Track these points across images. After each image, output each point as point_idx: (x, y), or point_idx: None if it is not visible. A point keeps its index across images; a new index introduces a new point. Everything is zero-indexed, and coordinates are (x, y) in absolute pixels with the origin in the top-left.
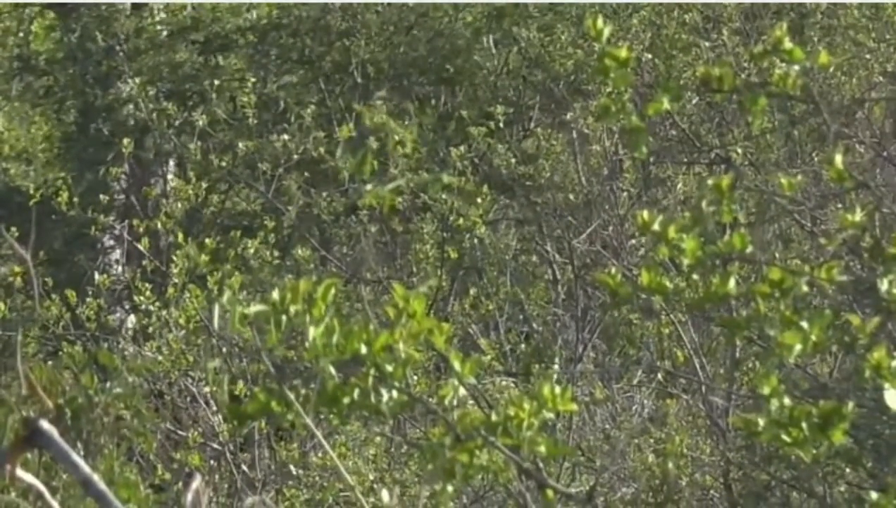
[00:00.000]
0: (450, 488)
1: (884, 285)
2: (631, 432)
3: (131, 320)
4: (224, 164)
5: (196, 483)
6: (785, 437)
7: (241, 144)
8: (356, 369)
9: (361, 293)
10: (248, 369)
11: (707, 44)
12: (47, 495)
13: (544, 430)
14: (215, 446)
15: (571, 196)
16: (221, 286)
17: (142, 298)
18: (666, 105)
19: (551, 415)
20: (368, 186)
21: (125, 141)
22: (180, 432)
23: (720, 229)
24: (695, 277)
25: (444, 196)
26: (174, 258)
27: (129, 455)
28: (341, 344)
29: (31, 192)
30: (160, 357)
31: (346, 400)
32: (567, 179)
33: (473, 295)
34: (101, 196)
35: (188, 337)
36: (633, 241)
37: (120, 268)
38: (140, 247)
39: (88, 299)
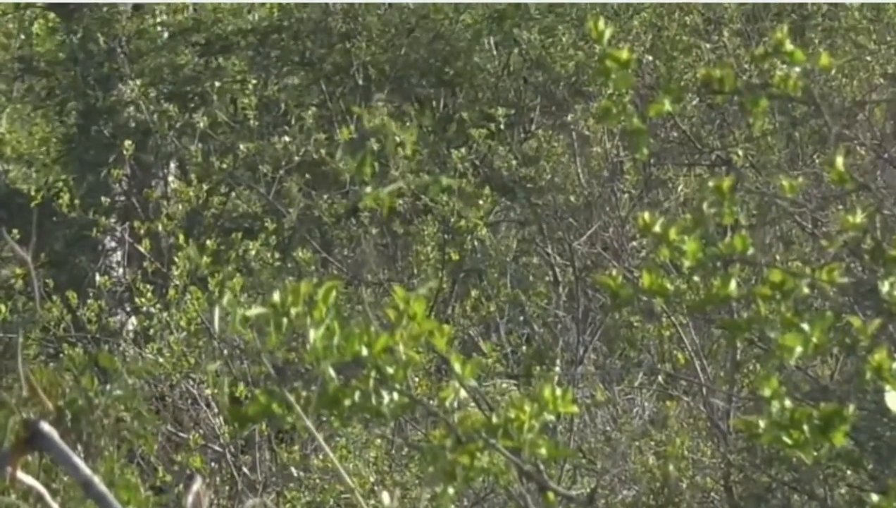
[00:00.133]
0: (450, 490)
1: (885, 288)
2: (632, 434)
3: (132, 322)
4: (225, 166)
5: (197, 485)
6: (786, 439)
7: (241, 146)
8: (357, 371)
9: (362, 295)
10: (249, 371)
11: (708, 45)
12: (48, 497)
13: (545, 432)
14: (216, 448)
15: (572, 198)
16: (222, 288)
17: (143, 300)
18: (667, 107)
19: (552, 417)
20: (368, 189)
21: (126, 143)
22: (181, 434)
23: (721, 230)
24: (696, 279)
25: (444, 198)
26: (175, 260)
27: (130, 457)
28: (342, 346)
29: (33, 193)
30: (161, 359)
31: (346, 402)
32: (568, 180)
33: (474, 297)
34: (103, 198)
35: (189, 339)
36: (634, 243)
37: (121, 270)
38: (141, 249)
39: (89, 301)
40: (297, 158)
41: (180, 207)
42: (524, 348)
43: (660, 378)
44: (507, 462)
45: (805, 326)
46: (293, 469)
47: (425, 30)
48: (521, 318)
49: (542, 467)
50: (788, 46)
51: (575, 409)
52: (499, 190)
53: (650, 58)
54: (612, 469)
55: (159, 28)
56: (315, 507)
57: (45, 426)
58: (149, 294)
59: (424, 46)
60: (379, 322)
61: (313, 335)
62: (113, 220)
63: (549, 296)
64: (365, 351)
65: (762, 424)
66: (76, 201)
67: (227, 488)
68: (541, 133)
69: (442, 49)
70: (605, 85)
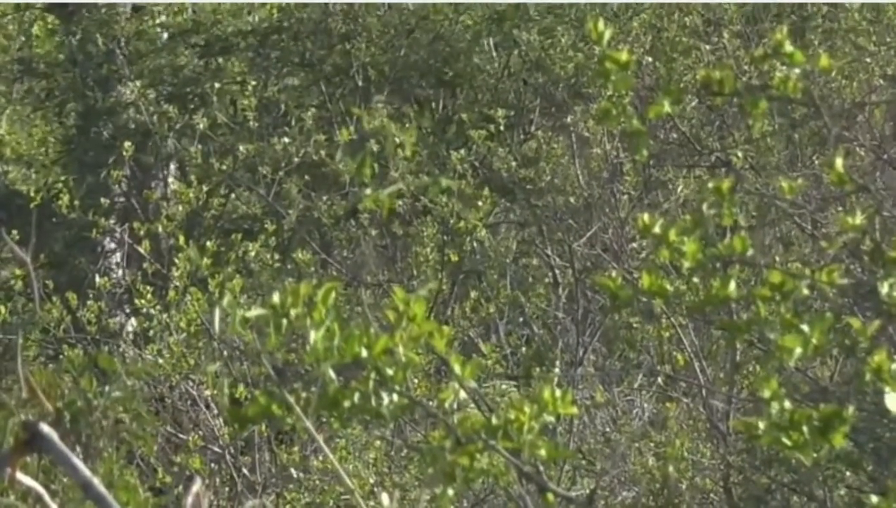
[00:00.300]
0: (450, 491)
1: (884, 289)
2: (631, 435)
3: (132, 323)
4: (225, 167)
5: (196, 486)
6: (785, 440)
7: (241, 148)
8: (356, 372)
9: (362, 297)
10: (249, 372)
11: (708, 47)
12: (47, 498)
13: (545, 433)
14: (216, 449)
15: (572, 199)
16: (222, 290)
17: (142, 301)
18: (666, 108)
19: (552, 419)
20: (369, 191)
21: (126, 144)
22: (181, 435)
23: (721, 232)
24: (695, 280)
25: (444, 199)
26: (175, 261)
27: (130, 458)
28: (342, 348)
29: (32, 194)
30: (161, 361)
31: (346, 404)
32: (567, 182)
33: (474, 298)
34: (102, 199)
35: (189, 341)
36: (634, 244)
37: (120, 271)
38: (141, 250)
39: (89, 303)
40: (296, 160)
41: (180, 208)
42: (524, 349)
43: (659, 380)
44: (507, 464)
45: (805, 327)
46: (293, 471)
47: (425, 31)
48: (521, 319)
49: (541, 468)
50: (788, 48)
51: (574, 410)
52: (498, 191)
53: (650, 59)
54: (611, 470)
55: (158, 29)
56: None
57: (45, 428)
58: (148, 296)
59: (424, 48)
60: (378, 324)
61: (314, 336)
62: (112, 221)
63: (549, 297)
64: (365, 353)
65: (762, 425)
66: (76, 203)
67: (226, 489)
68: (540, 134)
69: (442, 50)
70: (605, 86)
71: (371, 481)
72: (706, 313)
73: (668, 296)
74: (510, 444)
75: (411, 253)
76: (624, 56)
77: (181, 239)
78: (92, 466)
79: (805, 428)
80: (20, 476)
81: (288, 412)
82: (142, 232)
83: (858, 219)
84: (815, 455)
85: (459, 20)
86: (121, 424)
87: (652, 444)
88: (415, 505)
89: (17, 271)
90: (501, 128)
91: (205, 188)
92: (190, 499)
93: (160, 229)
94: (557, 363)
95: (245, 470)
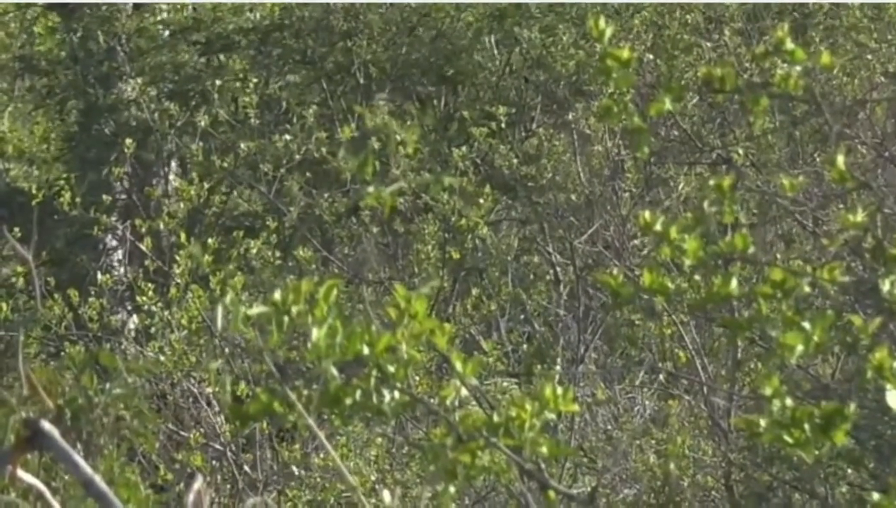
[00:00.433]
0: (451, 489)
1: (885, 286)
2: (633, 433)
3: (134, 320)
4: (226, 164)
5: (198, 483)
6: (787, 438)
7: (242, 145)
8: (357, 369)
9: (363, 294)
10: (250, 369)
11: (709, 44)
12: (48, 495)
13: (546, 431)
14: (217, 446)
15: (573, 197)
16: (224, 287)
17: (144, 298)
18: (668, 105)
19: (553, 416)
20: (370, 188)
21: (128, 141)
22: (182, 432)
23: (722, 229)
24: (696, 277)
25: (445, 197)
26: (177, 259)
27: (132, 455)
28: (344, 345)
29: (34, 192)
30: (162, 358)
31: (348, 401)
32: (569, 179)
33: (475, 296)
34: (104, 196)
35: (190, 338)
36: (635, 241)
37: (122, 268)
38: (142, 247)
39: (91, 300)
40: (297, 157)
41: (181, 205)
42: (525, 346)
43: (661, 377)
44: (508, 461)
45: (806, 324)
46: (294, 468)
47: (426, 28)
48: (522, 316)
49: (542, 465)
50: (789, 45)
51: (576, 408)
52: (500, 189)
53: (651, 57)
54: (613, 467)
55: (160, 27)
56: (316, 506)
57: (46, 425)
58: (150, 293)
59: (426, 45)
60: (380, 321)
61: (316, 333)
62: (114, 218)
63: (550, 295)
64: (367, 350)
65: (763, 423)
66: (77, 200)
67: (228, 486)
68: (542, 132)
69: (443, 48)
70: (606, 84)
71: (372, 478)
72: (707, 310)
73: (670, 293)
74: (511, 441)
75: (413, 250)
76: (625, 53)
77: (183, 236)
78: (93, 463)
79: (806, 426)
80: (21, 473)
81: (289, 409)
82: (143, 229)
83: (860, 216)
84: (816, 452)
85: (461, 18)
86: (122, 421)
87: (653, 441)
88: (416, 503)
89: (19, 269)
90: (503, 125)
91: (206, 186)
92: (191, 497)
93: (161, 227)
94: (559, 360)
95: (246, 468)
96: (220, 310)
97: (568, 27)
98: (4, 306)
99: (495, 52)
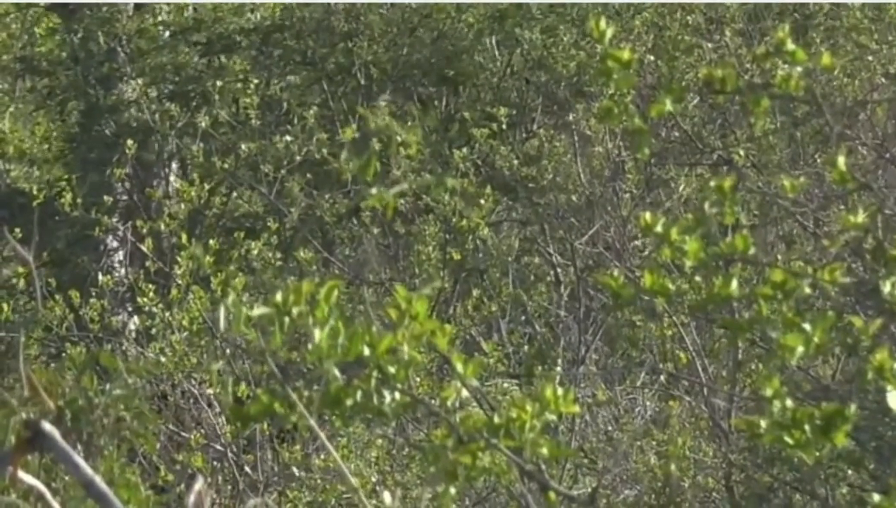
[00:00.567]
0: (452, 490)
1: (886, 287)
2: (633, 434)
3: (135, 321)
4: (227, 165)
5: (198, 484)
6: (787, 439)
7: (243, 146)
8: (357, 370)
9: (364, 295)
10: (251, 371)
11: (710, 45)
12: (48, 496)
13: (547, 432)
14: (218, 447)
15: (574, 198)
16: (226, 288)
17: (145, 299)
18: (668, 106)
19: (554, 417)
20: (373, 190)
21: (129, 142)
22: (183, 433)
23: (723, 230)
24: (697, 278)
25: (446, 198)
26: (178, 260)
27: (132, 456)
28: (346, 346)
29: (35, 192)
30: (163, 359)
31: (348, 402)
32: (569, 180)
33: (476, 297)
34: (105, 197)
35: (191, 339)
36: (636, 242)
37: (123, 270)
38: (143, 248)
39: (92, 301)
40: (298, 158)
41: (182, 206)
42: (526, 348)
43: (661, 378)
44: (509, 462)
45: (806, 326)
46: (295, 469)
47: (427, 29)
48: (523, 318)
49: (543, 467)
50: (790, 46)
51: (576, 409)
52: (500, 190)
53: (652, 58)
54: (613, 468)
55: (160, 27)
56: (317, 507)
57: (47, 426)
58: (151, 294)
59: (426, 46)
60: (380, 322)
61: (318, 334)
62: (115, 219)
63: (551, 296)
64: (368, 351)
65: (764, 424)
66: (78, 201)
67: (228, 487)
68: (542, 133)
69: (444, 49)
70: (607, 85)
71: (373, 479)
72: (708, 311)
73: (670, 295)
74: (512, 443)
75: (413, 252)
76: (626, 54)
77: (184, 237)
78: (93, 464)
79: (807, 427)
80: (22, 474)
81: (290, 410)
82: (144, 230)
83: (860, 217)
84: (817, 453)
85: (462, 19)
86: (122, 422)
87: (654, 443)
88: (417, 504)
89: (20, 270)
90: (504, 126)
91: (206, 187)
92: (192, 498)
93: (162, 228)
94: (559, 361)
95: (247, 469)
96: (222, 311)
97: (569, 28)
98: (5, 307)
99: (496, 53)
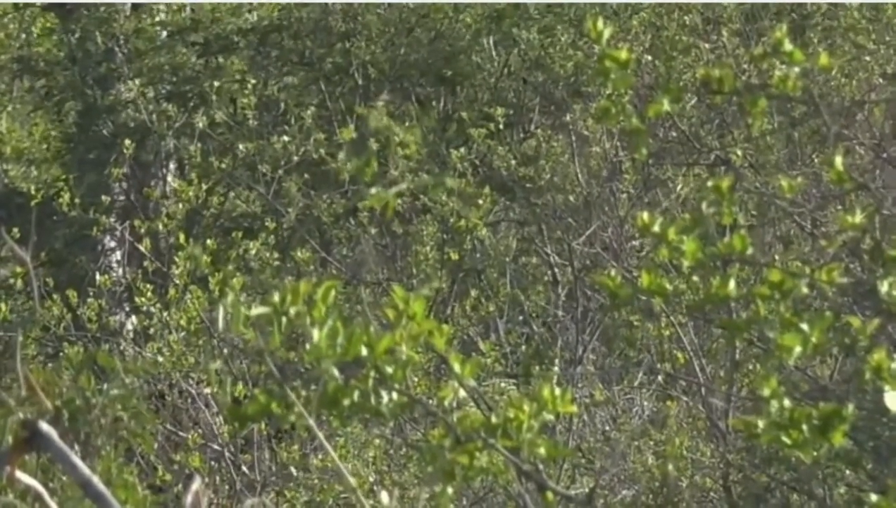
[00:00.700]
0: (449, 490)
1: (884, 288)
2: (631, 434)
3: (132, 321)
4: (224, 166)
5: (196, 484)
6: (785, 439)
7: (241, 146)
8: (355, 370)
9: (361, 295)
10: (248, 370)
11: (707, 45)
12: (46, 496)
13: (544, 432)
14: (215, 447)
15: (571, 198)
16: (223, 288)
17: (143, 299)
18: (666, 107)
19: (551, 417)
20: (373, 190)
21: (126, 143)
22: (180, 433)
23: (720, 230)
24: (695, 279)
25: (444, 198)
26: (176, 260)
27: (130, 456)
28: (344, 346)
29: (33, 192)
30: (161, 359)
31: (346, 402)
32: (567, 180)
33: (474, 297)
34: (103, 197)
35: (189, 339)
36: (634, 242)
37: (121, 269)
38: (141, 248)
39: (89, 300)
40: (296, 158)
41: (180, 206)
42: (523, 347)
43: (659, 378)
44: (506, 462)
45: (804, 326)
46: (292, 469)
47: (425, 29)
48: (521, 318)
49: (541, 466)
50: (787, 46)
51: (574, 409)
52: (498, 190)
53: (649, 58)
54: (611, 468)
55: (158, 28)
56: (314, 507)
57: (44, 426)
58: (149, 294)
59: (424, 46)
60: (378, 322)
61: (316, 335)
62: (113, 219)
63: (549, 296)
64: (366, 351)
65: (761, 424)
66: (76, 201)
67: (226, 487)
68: (540, 133)
69: (442, 49)
70: (604, 85)
71: (370, 479)
72: (706, 311)
73: (668, 295)
74: (509, 442)
75: (411, 252)
76: (623, 55)
77: (182, 237)
78: (91, 464)
79: (805, 427)
80: (19, 474)
81: (288, 410)
82: (142, 230)
83: (858, 218)
84: (814, 453)
85: (459, 19)
86: (120, 422)
87: (651, 442)
88: (414, 504)
89: (18, 270)
90: (501, 126)
91: (204, 187)
92: (189, 497)
93: (160, 228)
94: (557, 361)
95: (245, 468)
96: (220, 311)
97: (566, 28)
98: (3, 306)
99: (493, 53)
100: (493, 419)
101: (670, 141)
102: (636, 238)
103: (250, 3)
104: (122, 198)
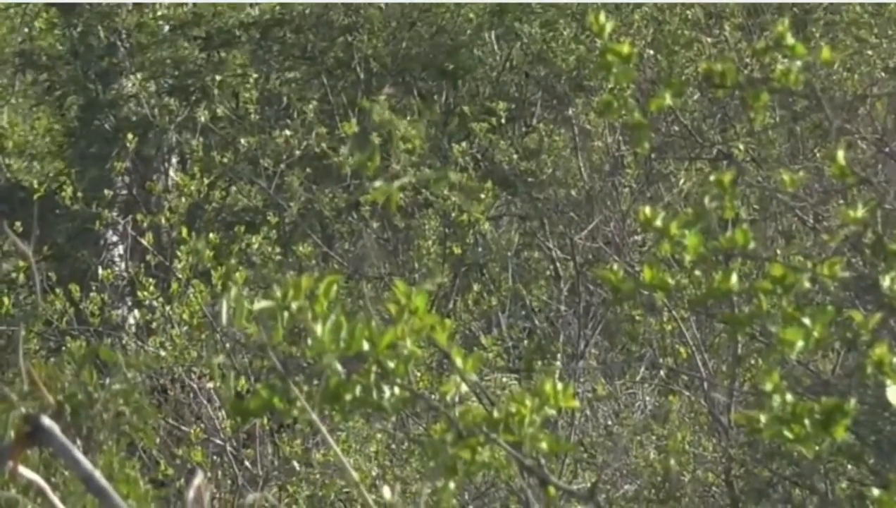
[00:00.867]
0: (451, 484)
1: (886, 282)
2: (633, 428)
3: (135, 315)
4: (226, 160)
5: (198, 479)
6: (787, 434)
7: (243, 140)
8: (357, 365)
9: (363, 290)
10: (251, 365)
11: (709, 40)
12: (48, 491)
13: (546, 427)
14: (218, 442)
15: (573, 192)
16: (226, 282)
17: (145, 293)
18: (668, 101)
19: (553, 412)
20: (377, 183)
21: (129, 137)
22: (183, 428)
23: (722, 225)
24: (697, 273)
25: (446, 192)
26: (178, 254)
27: (132, 451)
28: (346, 341)
29: (35, 186)
30: (163, 353)
31: (348, 397)
32: (569, 175)
33: (476, 291)
34: (105, 191)
35: (191, 333)
36: (636, 237)
37: (123, 264)
38: (143, 242)
39: (92, 295)
40: (298, 153)
41: (182, 200)
42: (525, 342)
43: (661, 373)
44: (508, 457)
45: (806, 320)
46: (295, 464)
47: (427, 23)
48: (523, 312)
49: (543, 461)
50: (790, 40)
51: (576, 403)
52: (500, 184)
53: (651, 52)
54: (613, 463)
55: (160, 22)
56: (316, 501)
57: (46, 421)
58: (151, 288)
59: (426, 40)
60: (380, 317)
61: (320, 329)
62: (115, 213)
63: (551, 290)
64: (368, 346)
65: (763, 418)
66: (78, 195)
67: (228, 482)
68: (542, 127)
69: (444, 43)
70: (607, 79)
71: (373, 474)
72: (708, 306)
73: (670, 289)
74: (511, 437)
75: (413, 246)
76: (625, 49)
77: (184, 231)
78: (93, 459)
79: (807, 421)
80: (21, 469)
81: (290, 404)
82: (144, 224)
83: (860, 212)
84: (816, 448)
85: (461, 13)
86: (122, 416)
87: (654, 437)
88: (416, 498)
89: (20, 264)
90: (503, 121)
91: (206, 181)
92: (192, 492)
93: (162, 222)
94: (559, 356)
95: (247, 463)
96: (223, 305)
97: (568, 22)
98: (5, 301)
99: (495, 47)
100: (495, 414)
101: (672, 135)
102: (638, 233)
103: None
104: (124, 192)
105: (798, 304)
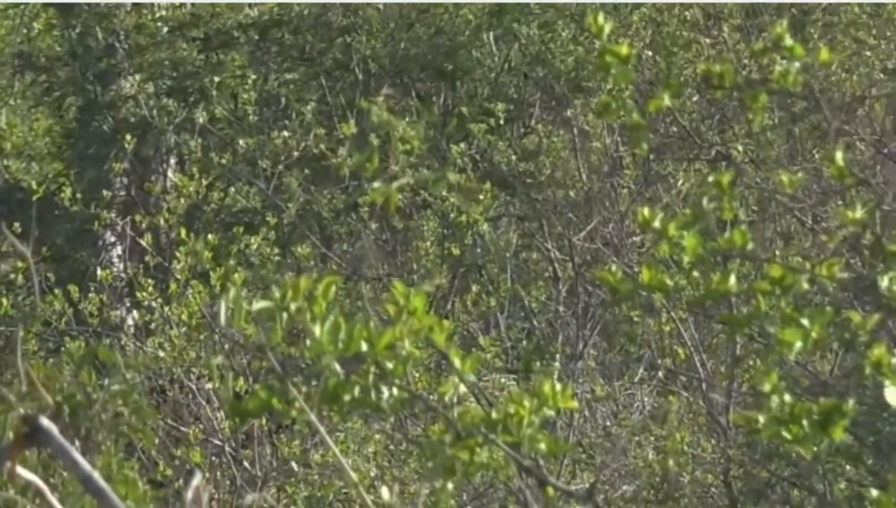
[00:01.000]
0: (450, 485)
1: (884, 283)
2: (632, 429)
3: (133, 316)
4: (224, 161)
5: (197, 479)
6: (785, 434)
7: (241, 141)
8: (356, 366)
9: (362, 291)
10: (249, 366)
11: (708, 41)
12: (47, 492)
13: (545, 427)
14: (216, 442)
15: (572, 193)
16: (225, 283)
17: (144, 294)
18: (667, 102)
19: (552, 412)
20: (375, 184)
21: (127, 138)
22: (181, 428)
23: (721, 226)
24: (695, 274)
25: (445, 193)
26: (177, 255)
27: (130, 451)
28: (345, 342)
29: (34, 187)
30: (162, 354)
31: (347, 397)
32: (568, 175)
33: (474, 292)
34: (104, 192)
35: (190, 334)
36: (634, 238)
37: (122, 264)
38: (142, 243)
39: (90, 296)
40: (296, 154)
41: (182, 201)
42: (524, 343)
43: (660, 374)
44: (507, 458)
45: (805, 321)
46: (293, 464)
47: (425, 24)
48: (521, 313)
49: (541, 462)
50: (788, 41)
51: (574, 404)
52: (499, 185)
53: (650, 53)
54: (611, 463)
55: (158, 23)
56: (315, 502)
57: (45, 422)
58: (150, 289)
59: (424, 41)
60: (378, 318)
61: (318, 330)
62: (114, 214)
63: (549, 291)
64: (367, 347)
65: (762, 419)
66: (77, 196)
67: (227, 482)
68: (540, 128)
69: (442, 44)
70: (605, 80)
71: (371, 474)
72: (706, 307)
73: (669, 290)
74: (510, 438)
75: (412, 247)
76: (624, 50)
77: (183, 232)
78: (91, 460)
79: (805, 422)
80: (20, 470)
81: (288, 405)
82: (143, 225)
83: (859, 213)
84: (815, 448)
85: (460, 14)
86: (121, 417)
87: (652, 438)
88: (414, 499)
89: (19, 265)
90: (502, 122)
91: (204, 182)
92: (190, 493)
93: (161, 223)
94: (557, 356)
95: (246, 464)
96: (222, 306)
97: (567, 23)
98: (4, 302)
99: (494, 48)
100: (494, 415)
101: (671, 136)
102: (637, 234)
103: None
104: (122, 193)
105: (796, 305)
